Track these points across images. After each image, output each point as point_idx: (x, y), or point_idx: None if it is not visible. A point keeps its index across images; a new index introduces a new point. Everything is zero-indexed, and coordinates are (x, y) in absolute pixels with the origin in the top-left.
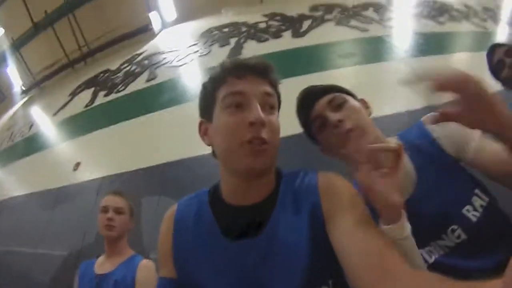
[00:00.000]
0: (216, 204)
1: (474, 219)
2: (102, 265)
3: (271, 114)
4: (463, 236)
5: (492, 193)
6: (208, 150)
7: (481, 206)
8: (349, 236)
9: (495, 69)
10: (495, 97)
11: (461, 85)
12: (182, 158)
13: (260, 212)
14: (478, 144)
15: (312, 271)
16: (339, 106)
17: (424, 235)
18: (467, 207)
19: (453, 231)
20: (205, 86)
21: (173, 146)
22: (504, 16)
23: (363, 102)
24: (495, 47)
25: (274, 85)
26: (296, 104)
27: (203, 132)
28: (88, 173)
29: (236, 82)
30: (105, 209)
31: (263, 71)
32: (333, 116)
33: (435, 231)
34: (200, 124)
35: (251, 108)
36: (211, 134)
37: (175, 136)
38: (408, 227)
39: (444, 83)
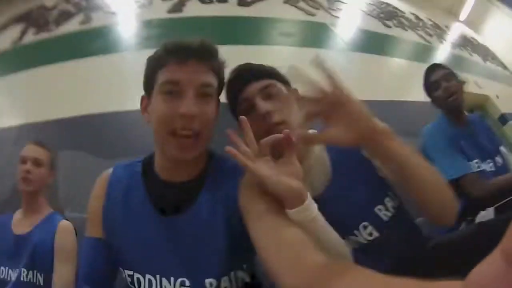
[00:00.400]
0: (148, 176)
1: (385, 218)
2: (19, 223)
3: (206, 103)
4: (375, 234)
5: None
6: (136, 106)
7: (393, 207)
8: (260, 226)
9: (430, 87)
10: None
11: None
12: (108, 111)
13: (188, 190)
14: None
15: (228, 253)
16: (271, 95)
17: (336, 228)
18: (379, 206)
19: (365, 227)
20: (147, 64)
21: (100, 97)
22: (450, 37)
23: (296, 93)
24: (436, 66)
25: (217, 70)
26: (228, 80)
27: (144, 108)
28: (5, 119)
29: (175, 68)
30: (23, 160)
31: (206, 55)
32: (263, 106)
33: (347, 225)
34: (142, 99)
35: (185, 98)
36: (150, 112)
37: (102, 87)
38: (314, 208)
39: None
